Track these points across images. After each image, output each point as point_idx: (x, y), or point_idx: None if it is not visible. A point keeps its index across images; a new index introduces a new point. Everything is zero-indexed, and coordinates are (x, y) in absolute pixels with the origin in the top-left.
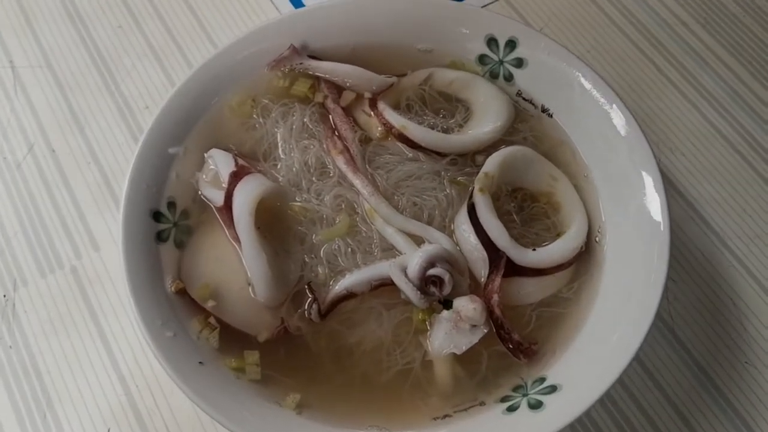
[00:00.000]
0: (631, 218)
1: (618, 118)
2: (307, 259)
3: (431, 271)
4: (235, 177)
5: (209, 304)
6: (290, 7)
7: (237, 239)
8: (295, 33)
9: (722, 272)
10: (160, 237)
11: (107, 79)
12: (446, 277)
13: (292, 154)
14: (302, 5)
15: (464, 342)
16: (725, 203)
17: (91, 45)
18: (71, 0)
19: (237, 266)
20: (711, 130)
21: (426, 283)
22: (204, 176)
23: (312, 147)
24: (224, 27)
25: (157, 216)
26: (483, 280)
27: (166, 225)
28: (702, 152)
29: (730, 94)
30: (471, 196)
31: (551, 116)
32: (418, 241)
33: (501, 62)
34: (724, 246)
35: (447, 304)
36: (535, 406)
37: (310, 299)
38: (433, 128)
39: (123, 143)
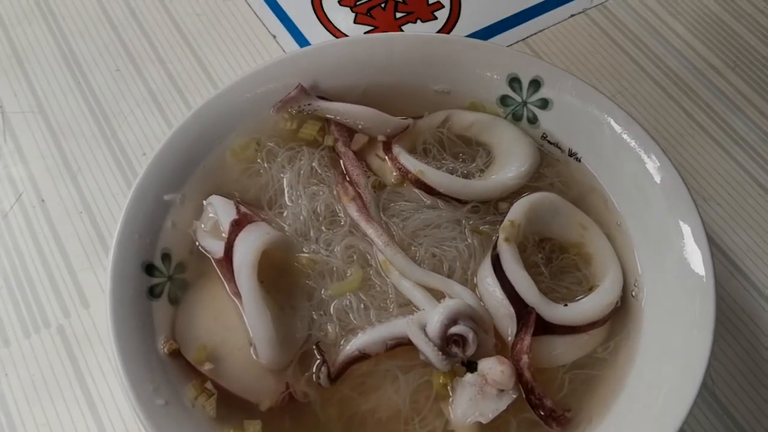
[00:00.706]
0: (670, 271)
1: (653, 164)
2: (315, 317)
3: (453, 329)
4: (237, 226)
5: (206, 368)
6: (297, 47)
7: (238, 294)
8: (303, 72)
9: (765, 329)
10: (152, 292)
11: (103, 126)
12: (470, 335)
13: (300, 201)
14: (308, 44)
15: (491, 409)
16: (765, 255)
17: (87, 89)
18: (67, 42)
19: (237, 325)
20: (746, 177)
21: (448, 342)
22: (202, 225)
23: (321, 193)
24: (228, 70)
25: (149, 269)
26: (510, 339)
27: (159, 279)
28: (738, 201)
29: (764, 138)
30: (495, 247)
31: (579, 161)
32: (438, 296)
33: (524, 103)
34: (765, 301)
35: (471, 366)
36: None
37: (318, 361)
38: (452, 173)
39: (118, 193)
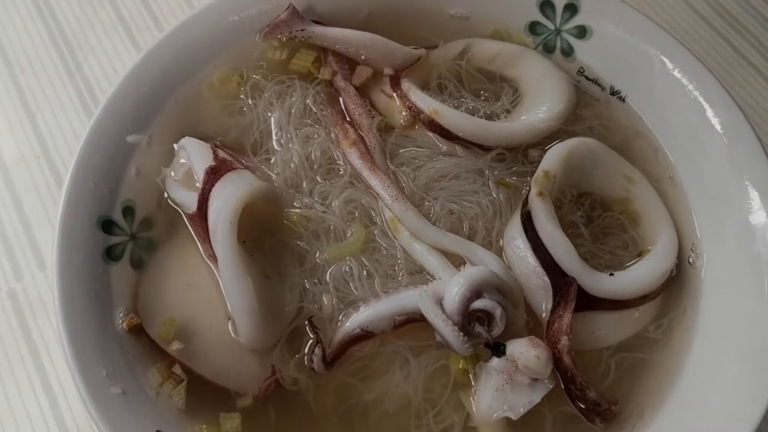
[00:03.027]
0: (731, 235)
1: (714, 107)
2: (308, 285)
3: (476, 304)
4: (214, 174)
5: (174, 347)
6: None
7: (214, 257)
8: None
9: None
10: (110, 254)
11: (66, 58)
12: (497, 312)
13: (291, 146)
14: None
15: (522, 402)
16: None
17: (50, 16)
18: None
19: (214, 295)
20: None
21: (470, 320)
22: (173, 173)
23: (316, 136)
24: None
25: (107, 226)
26: (545, 315)
27: (119, 238)
28: None
29: None
30: (526, 203)
31: (623, 100)
32: (457, 262)
33: (558, 31)
34: None
35: (498, 348)
36: None
37: (311, 341)
38: (473, 114)
39: (82, 135)
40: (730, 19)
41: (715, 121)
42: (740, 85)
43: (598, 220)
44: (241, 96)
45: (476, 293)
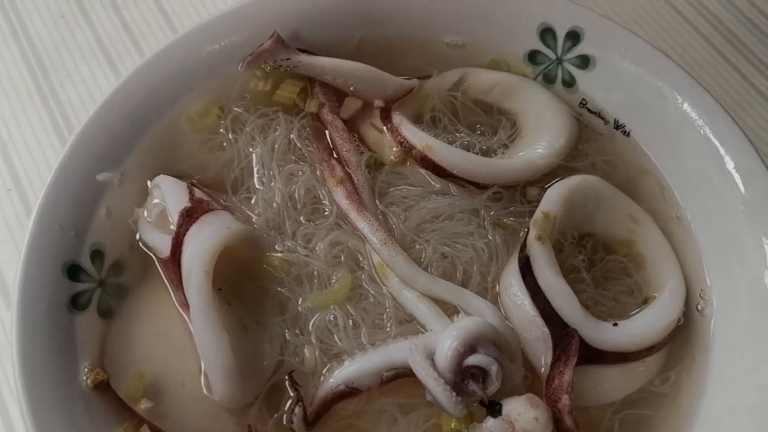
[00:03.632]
0: (746, 280)
1: (727, 145)
2: (289, 336)
3: (471, 360)
4: (189, 216)
5: (143, 406)
6: None
7: (187, 306)
8: (281, 17)
9: None
10: (76, 303)
11: (41, 83)
12: (493, 368)
13: (273, 184)
14: None
15: None
16: None
17: (24, 39)
18: None
19: (187, 347)
20: None
21: (463, 376)
22: (146, 214)
23: (301, 174)
24: (193, 15)
25: (74, 272)
26: (544, 370)
27: (87, 285)
28: None
29: None
30: (524, 246)
31: (628, 135)
32: (449, 310)
33: (559, 61)
34: None
35: (494, 408)
36: None
37: (292, 398)
38: (468, 149)
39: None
40: (735, 41)
41: (728, 161)
42: (747, 113)
43: (600, 263)
44: (221, 130)
45: (470, 348)
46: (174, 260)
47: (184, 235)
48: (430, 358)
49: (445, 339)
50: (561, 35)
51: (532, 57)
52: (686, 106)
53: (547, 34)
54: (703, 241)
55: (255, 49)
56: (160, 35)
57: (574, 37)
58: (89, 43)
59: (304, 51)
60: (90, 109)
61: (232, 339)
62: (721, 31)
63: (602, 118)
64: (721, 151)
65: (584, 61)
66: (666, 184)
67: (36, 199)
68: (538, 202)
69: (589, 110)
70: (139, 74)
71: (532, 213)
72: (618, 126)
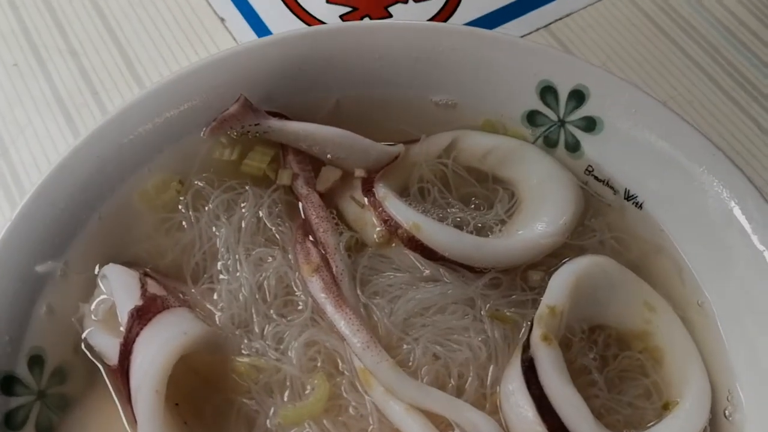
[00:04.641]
0: None
1: (754, 223)
2: None
3: None
4: (140, 318)
5: None
6: (254, 36)
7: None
8: (250, 78)
9: None
10: (11, 422)
11: None
12: None
13: (239, 273)
14: (268, 32)
15: None
16: None
17: None
18: None
19: None
20: None
21: None
22: (93, 311)
23: (271, 259)
24: (162, 67)
25: (8, 384)
26: None
27: (24, 398)
28: None
29: None
30: (527, 346)
31: (640, 207)
32: (444, 424)
33: (562, 123)
34: None
35: None
36: None
37: None
38: (461, 227)
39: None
40: (752, 90)
41: (756, 242)
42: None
43: (614, 361)
44: (181, 208)
45: None
46: (122, 371)
47: (134, 341)
48: None
49: None
50: (564, 94)
51: (531, 118)
52: (707, 177)
53: (548, 92)
54: (729, 334)
55: (219, 113)
56: (123, 86)
57: (578, 96)
58: (44, 94)
59: (275, 114)
60: (44, 171)
61: None
62: (734, 76)
63: (611, 188)
64: (748, 229)
65: (590, 124)
66: (685, 265)
67: None
68: (542, 288)
69: (596, 178)
70: (84, 146)
71: (534, 302)
72: (629, 197)
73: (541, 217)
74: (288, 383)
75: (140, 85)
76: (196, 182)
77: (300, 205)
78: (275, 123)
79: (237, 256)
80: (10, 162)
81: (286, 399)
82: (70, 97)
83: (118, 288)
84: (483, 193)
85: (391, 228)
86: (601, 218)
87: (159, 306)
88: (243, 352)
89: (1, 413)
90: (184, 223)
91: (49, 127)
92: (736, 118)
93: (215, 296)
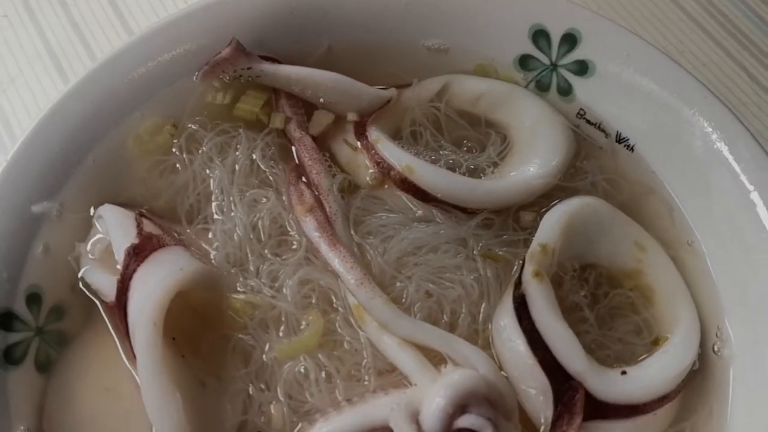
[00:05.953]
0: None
1: (744, 162)
2: (253, 392)
3: (462, 422)
4: (136, 255)
5: None
6: None
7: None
8: (242, 22)
9: None
10: (10, 356)
11: None
12: (487, 431)
13: (234, 213)
14: None
15: None
16: None
17: None
18: None
19: (138, 405)
20: None
21: None
22: (89, 250)
23: (265, 200)
24: (149, 13)
25: (6, 320)
26: (544, 428)
27: (22, 334)
28: None
29: None
30: (519, 282)
31: (632, 149)
32: (436, 358)
33: (554, 67)
34: None
35: None
36: None
37: None
38: (454, 169)
39: None
40: (743, 39)
41: (746, 182)
42: (754, 114)
43: (605, 299)
44: (174, 150)
45: (460, 408)
46: (120, 307)
47: (131, 278)
48: (415, 419)
49: (432, 398)
50: (556, 38)
51: (524, 62)
52: (698, 119)
53: (540, 36)
54: (718, 271)
55: (212, 57)
56: (113, 36)
57: (570, 40)
58: (35, 45)
59: (267, 59)
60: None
61: (186, 398)
62: (726, 26)
63: (602, 131)
64: (737, 169)
65: (582, 67)
66: (676, 206)
67: None
68: (533, 228)
69: (587, 121)
70: (77, 90)
71: (526, 242)
72: (620, 139)
73: (532, 159)
74: (283, 319)
75: (131, 35)
76: (189, 125)
77: (293, 148)
78: (267, 67)
79: (231, 197)
80: (2, 111)
81: (281, 334)
82: (60, 48)
83: (114, 227)
84: (475, 136)
85: (384, 170)
86: (593, 160)
87: (155, 244)
88: (239, 289)
89: (0, 348)
90: (177, 165)
91: (41, 78)
92: (727, 67)
93: (210, 236)
